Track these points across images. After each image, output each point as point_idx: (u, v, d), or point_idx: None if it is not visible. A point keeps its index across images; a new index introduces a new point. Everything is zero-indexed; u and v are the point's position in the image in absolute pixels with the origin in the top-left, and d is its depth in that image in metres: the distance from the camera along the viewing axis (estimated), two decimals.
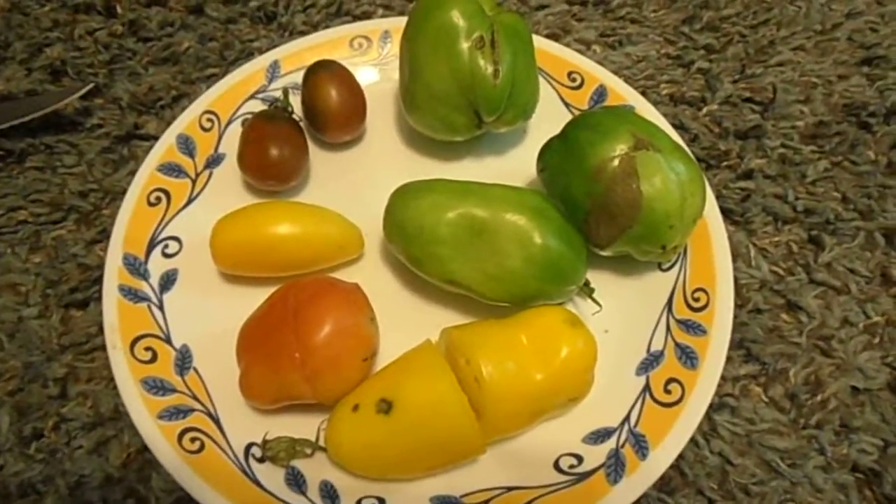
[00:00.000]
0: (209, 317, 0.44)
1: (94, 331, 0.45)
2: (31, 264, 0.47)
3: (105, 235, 0.48)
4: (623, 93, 0.52)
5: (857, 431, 0.42)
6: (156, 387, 0.40)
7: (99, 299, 0.44)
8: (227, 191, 0.49)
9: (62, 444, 0.41)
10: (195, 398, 0.41)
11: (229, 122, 0.52)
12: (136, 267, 0.45)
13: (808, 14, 0.62)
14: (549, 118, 0.51)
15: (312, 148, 0.51)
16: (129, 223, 0.46)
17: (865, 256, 0.49)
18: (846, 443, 0.42)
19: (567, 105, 0.53)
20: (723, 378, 0.41)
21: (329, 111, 0.49)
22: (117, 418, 0.42)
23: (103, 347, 0.42)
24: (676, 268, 0.45)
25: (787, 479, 0.41)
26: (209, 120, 0.51)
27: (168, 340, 0.43)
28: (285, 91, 0.51)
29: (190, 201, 0.48)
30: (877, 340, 0.46)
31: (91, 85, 0.54)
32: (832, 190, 0.52)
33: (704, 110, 0.56)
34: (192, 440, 0.39)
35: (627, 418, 0.40)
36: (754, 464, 0.41)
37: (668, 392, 0.41)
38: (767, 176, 0.52)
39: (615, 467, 0.38)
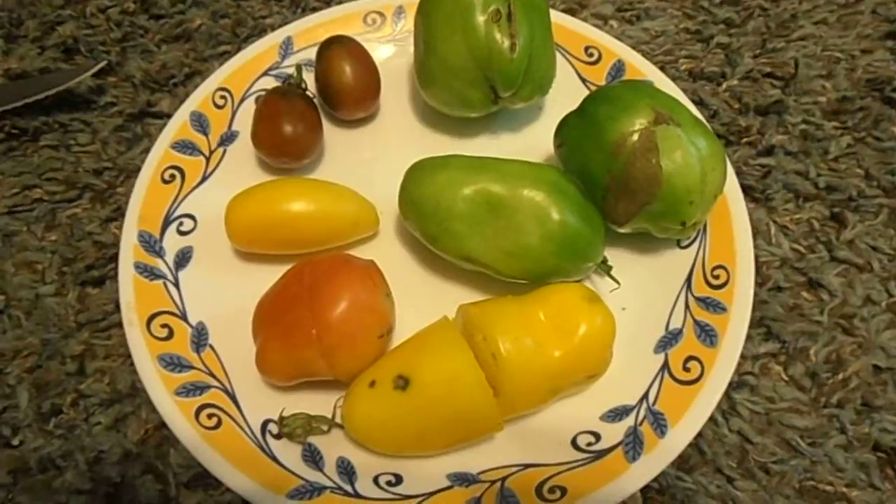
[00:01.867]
0: (225, 294, 0.44)
1: (111, 308, 0.45)
2: (47, 242, 0.48)
3: (120, 213, 0.48)
4: (641, 68, 0.51)
5: (879, 410, 0.42)
6: (172, 363, 0.40)
7: (115, 277, 0.44)
8: (241, 168, 0.49)
9: (81, 420, 0.41)
10: (212, 375, 0.41)
11: (243, 100, 0.51)
12: (151, 244, 0.45)
13: None
14: (565, 94, 0.50)
15: (326, 125, 0.50)
16: (143, 201, 0.46)
17: (888, 234, 0.48)
18: (867, 422, 0.41)
19: (584, 80, 0.53)
20: (742, 356, 0.41)
21: (343, 88, 0.48)
22: (135, 395, 0.42)
23: (120, 325, 0.42)
24: (696, 245, 0.45)
25: (808, 458, 0.40)
26: (222, 97, 0.51)
27: (184, 317, 0.43)
28: (299, 67, 0.50)
29: (204, 179, 0.48)
30: None
31: (104, 63, 0.54)
32: (855, 166, 0.51)
33: (724, 86, 0.55)
34: (210, 416, 0.39)
35: (646, 396, 0.40)
36: (774, 442, 0.41)
37: (686, 370, 0.40)
38: (789, 152, 0.51)
39: (633, 445, 0.38)
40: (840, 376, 0.43)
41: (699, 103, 0.53)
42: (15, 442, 0.41)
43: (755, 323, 0.44)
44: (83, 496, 0.39)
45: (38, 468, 0.40)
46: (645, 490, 0.39)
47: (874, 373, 0.43)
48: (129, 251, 0.44)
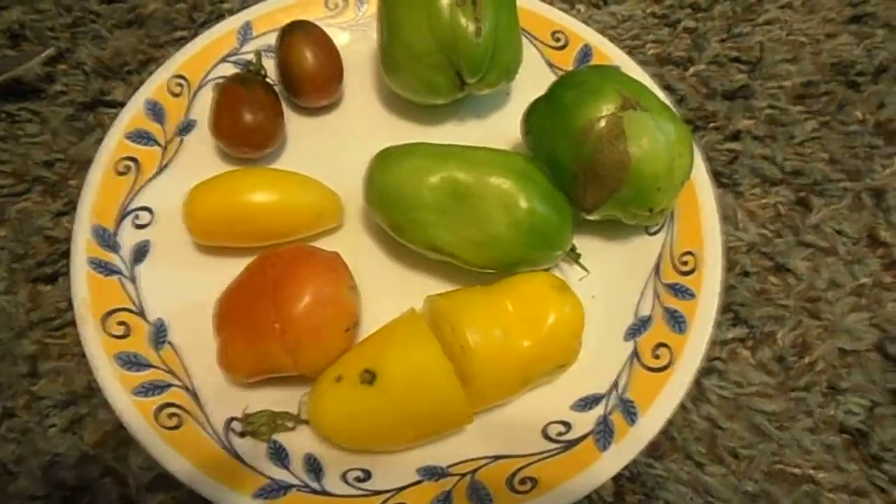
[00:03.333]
0: (184, 289, 0.42)
1: (64, 306, 0.43)
2: None
3: (72, 207, 0.46)
4: (609, 53, 0.51)
5: (845, 393, 0.42)
6: (130, 362, 0.39)
7: (68, 273, 0.42)
8: (199, 158, 0.47)
9: (34, 423, 0.40)
10: (172, 373, 0.40)
11: (200, 87, 0.49)
12: (105, 239, 0.43)
13: None
14: (532, 79, 0.49)
15: (288, 113, 0.49)
16: (97, 193, 0.44)
17: (853, 217, 0.48)
18: (833, 404, 0.42)
19: (551, 66, 0.52)
20: (711, 342, 0.41)
21: (305, 74, 0.47)
22: (91, 395, 0.41)
23: (74, 323, 0.40)
24: (664, 231, 0.45)
25: (776, 442, 0.41)
26: (178, 85, 0.49)
27: (142, 314, 0.41)
28: (258, 54, 0.48)
29: (161, 170, 0.46)
30: (864, 302, 0.45)
31: (52, 49, 0.51)
32: (820, 151, 0.51)
33: (691, 70, 0.55)
34: (170, 416, 0.38)
35: (616, 384, 0.40)
36: (743, 427, 0.41)
37: (656, 357, 0.40)
38: (755, 137, 0.51)
39: (604, 434, 0.38)
40: (806, 360, 0.43)
41: (666, 88, 0.53)
42: None
43: (723, 308, 0.44)
44: (38, 502, 0.38)
45: None
46: (616, 478, 0.39)
47: (840, 356, 0.43)
48: (82, 246, 0.42)
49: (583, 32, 0.52)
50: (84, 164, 0.47)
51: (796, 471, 0.40)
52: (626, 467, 0.37)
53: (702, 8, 0.58)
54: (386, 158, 0.41)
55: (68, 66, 0.53)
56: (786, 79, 0.54)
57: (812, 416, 0.41)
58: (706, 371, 0.42)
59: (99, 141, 0.46)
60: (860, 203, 0.49)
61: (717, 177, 0.49)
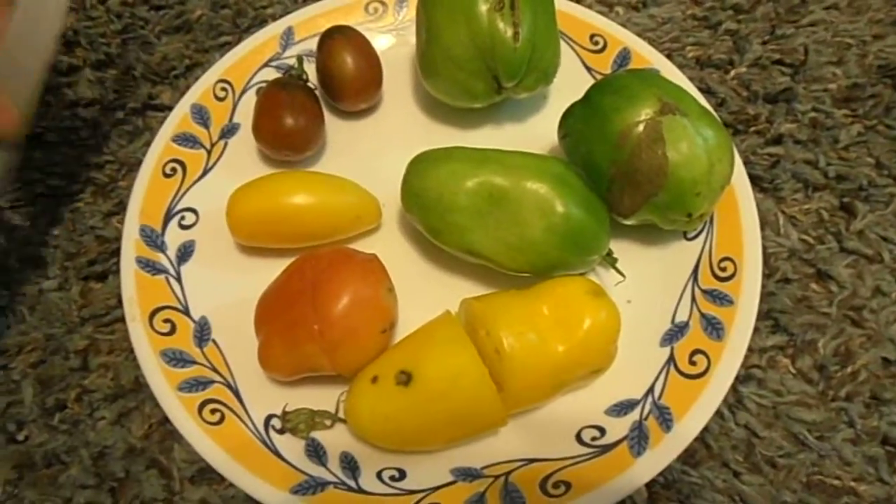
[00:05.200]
0: (227, 288, 0.44)
1: (114, 303, 0.45)
2: (49, 237, 0.47)
3: (122, 207, 0.47)
4: (647, 56, 0.50)
5: (888, 403, 0.41)
6: (175, 358, 0.40)
7: (117, 272, 0.43)
8: (242, 161, 0.48)
9: (85, 416, 0.41)
10: (215, 370, 0.41)
11: (244, 91, 0.51)
12: (153, 239, 0.44)
13: None
14: (570, 83, 0.49)
15: (328, 116, 0.50)
16: (145, 195, 0.45)
17: None
18: (876, 415, 0.41)
19: (589, 69, 0.52)
20: (749, 349, 0.40)
21: (345, 78, 0.48)
22: (138, 390, 0.42)
23: (123, 319, 0.42)
24: (703, 236, 0.44)
25: (815, 452, 0.40)
26: (223, 89, 0.50)
27: (186, 312, 0.43)
28: (300, 58, 0.50)
29: (206, 172, 0.48)
30: None
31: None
32: (865, 155, 0.50)
33: (732, 73, 0.54)
34: (213, 412, 0.39)
35: (651, 390, 0.40)
36: (781, 436, 0.40)
37: (693, 363, 0.40)
38: (798, 141, 0.50)
39: (638, 439, 0.38)
40: (849, 369, 0.42)
41: (706, 91, 0.52)
42: (20, 437, 0.41)
43: (762, 315, 0.44)
44: (88, 491, 0.39)
45: (43, 463, 0.40)
46: (650, 485, 0.39)
47: (883, 366, 0.42)
48: (130, 246, 0.44)
49: (621, 35, 0.52)
50: (133, 167, 0.49)
51: (836, 482, 0.39)
52: (661, 474, 0.37)
53: (744, 9, 0.57)
54: (423, 162, 0.41)
55: (118, 71, 0.55)
56: (830, 81, 0.53)
57: (853, 427, 0.40)
58: (744, 378, 0.42)
59: (147, 144, 0.48)
60: None
61: (757, 181, 0.49)
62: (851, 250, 0.46)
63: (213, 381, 0.40)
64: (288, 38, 0.53)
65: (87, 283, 0.46)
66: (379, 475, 0.38)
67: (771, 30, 0.56)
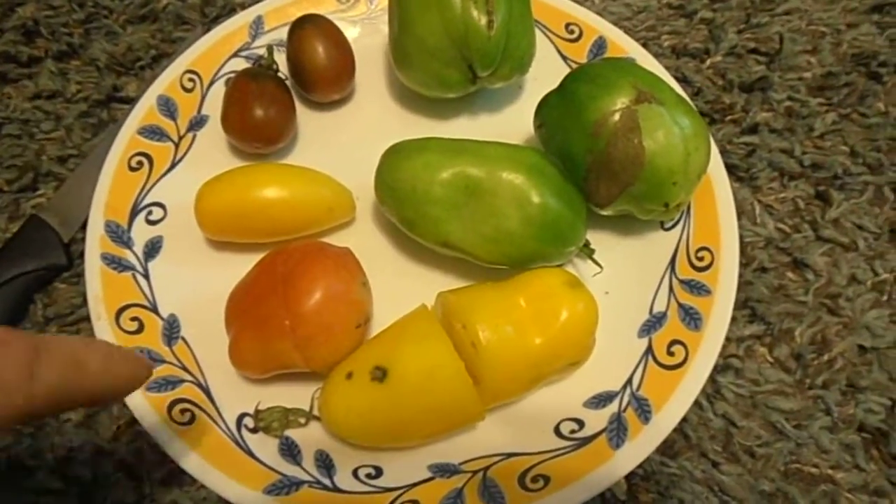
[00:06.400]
0: (196, 285, 0.42)
1: (79, 302, 0.43)
2: (9, 234, 0.46)
3: None
4: (623, 45, 0.50)
5: (864, 391, 0.41)
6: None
7: (82, 269, 0.42)
8: (211, 154, 0.47)
9: (50, 418, 0.40)
10: (184, 368, 0.40)
11: (212, 82, 0.49)
12: (118, 235, 0.43)
13: None
14: (546, 72, 0.48)
15: (299, 107, 0.49)
16: (110, 189, 0.44)
17: (874, 212, 0.47)
18: (853, 402, 0.41)
19: (565, 58, 0.51)
20: (727, 339, 0.40)
21: (316, 68, 0.47)
22: None
23: (88, 319, 0.40)
24: (679, 226, 0.44)
25: (793, 441, 0.40)
26: (191, 80, 0.49)
27: (155, 310, 0.41)
28: (270, 48, 0.48)
29: (173, 165, 0.46)
30: (885, 298, 0.44)
31: None
32: (840, 143, 0.50)
33: (708, 62, 0.54)
34: (183, 412, 0.38)
35: (629, 381, 0.39)
36: (759, 425, 0.40)
37: (671, 354, 0.40)
38: (773, 130, 0.50)
39: (617, 431, 0.37)
40: (825, 357, 0.42)
41: (682, 80, 0.52)
42: None
43: (740, 304, 0.44)
44: (54, 496, 0.38)
45: (7, 468, 0.39)
46: (629, 477, 0.39)
47: (859, 353, 0.43)
48: (95, 242, 0.42)
49: (597, 24, 0.51)
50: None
51: (814, 470, 0.39)
52: (640, 465, 0.37)
53: None
54: (397, 153, 0.41)
55: (81, 62, 0.53)
56: (805, 70, 0.53)
57: (830, 415, 0.41)
58: (722, 368, 0.42)
59: (112, 137, 0.46)
60: (881, 197, 0.48)
61: (734, 170, 0.49)
62: (827, 238, 0.46)
63: (182, 381, 0.39)
64: (258, 27, 0.51)
65: (52, 282, 0.44)
66: (355, 473, 0.37)
67: (746, 18, 0.56)
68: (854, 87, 0.52)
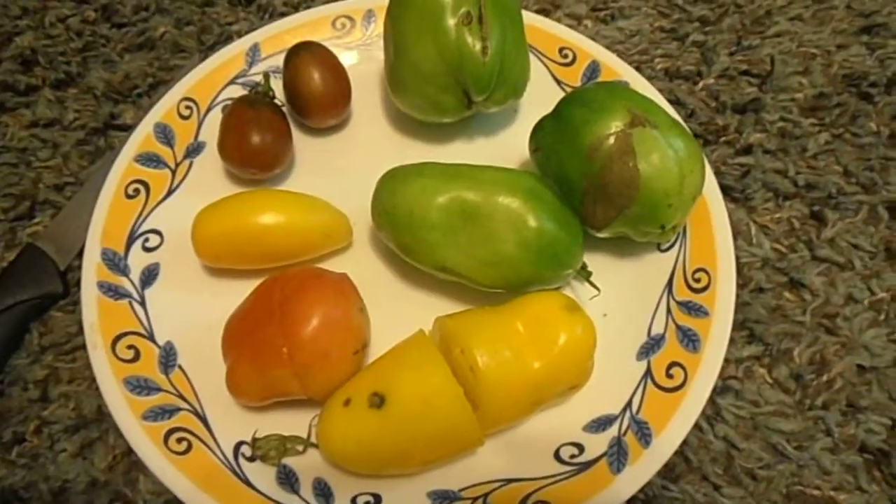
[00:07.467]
0: (193, 312, 0.42)
1: (75, 330, 0.43)
2: (6, 263, 0.46)
3: None
4: (617, 68, 0.51)
5: (865, 411, 0.41)
6: (139, 386, 0.39)
7: (78, 297, 0.42)
8: (208, 180, 0.47)
9: (45, 448, 0.40)
10: (181, 397, 0.39)
11: (209, 109, 0.50)
12: (115, 262, 0.43)
13: None
14: (540, 97, 0.49)
15: (296, 133, 0.49)
16: (106, 217, 0.44)
17: (869, 231, 0.48)
18: (853, 423, 0.41)
19: (559, 82, 0.52)
20: (726, 360, 0.40)
21: (312, 95, 0.47)
22: (101, 420, 0.40)
23: (84, 347, 0.40)
24: (676, 248, 0.44)
25: (794, 462, 0.40)
26: (188, 107, 0.49)
27: (151, 338, 0.41)
28: (266, 75, 0.49)
29: (170, 192, 0.47)
30: (882, 317, 0.44)
31: None
32: (833, 163, 0.51)
33: (701, 84, 0.54)
34: (179, 441, 0.38)
35: (629, 405, 0.39)
36: (760, 447, 0.40)
37: (670, 376, 0.39)
38: (767, 150, 0.51)
39: (618, 456, 0.37)
40: (824, 377, 0.42)
41: (676, 103, 0.53)
42: None
43: (738, 325, 0.44)
44: None
45: (2, 500, 0.38)
46: (631, 501, 0.38)
47: (858, 373, 0.42)
48: (91, 270, 0.42)
49: (590, 48, 0.52)
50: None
51: (816, 492, 0.39)
52: (641, 490, 0.37)
53: (710, 21, 0.58)
54: (394, 178, 0.41)
55: (79, 90, 0.53)
56: (797, 91, 0.54)
57: (831, 436, 0.40)
58: (721, 390, 0.42)
59: (109, 164, 0.47)
60: (876, 216, 0.48)
61: (728, 192, 0.49)
62: (823, 258, 0.46)
63: (179, 409, 0.39)
64: (254, 54, 0.52)
65: (48, 310, 0.44)
66: (353, 501, 0.37)
67: (737, 41, 0.57)
68: (846, 107, 0.53)
